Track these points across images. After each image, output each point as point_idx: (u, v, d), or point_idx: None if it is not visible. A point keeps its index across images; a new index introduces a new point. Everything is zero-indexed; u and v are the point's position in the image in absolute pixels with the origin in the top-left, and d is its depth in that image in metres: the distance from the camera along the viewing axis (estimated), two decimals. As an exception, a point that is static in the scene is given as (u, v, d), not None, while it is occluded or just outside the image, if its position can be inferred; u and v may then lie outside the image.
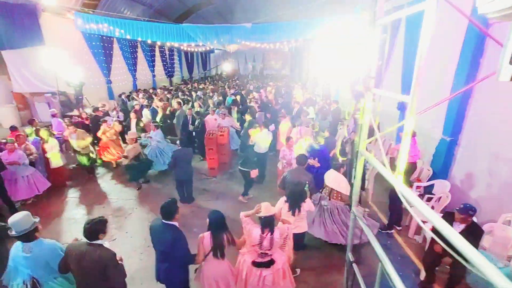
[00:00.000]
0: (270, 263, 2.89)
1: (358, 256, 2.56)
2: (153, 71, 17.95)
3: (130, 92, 13.41)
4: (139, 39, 12.49)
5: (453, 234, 1.22)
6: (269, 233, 2.79)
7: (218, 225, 2.79)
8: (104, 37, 12.58)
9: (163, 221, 2.74)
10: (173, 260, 2.74)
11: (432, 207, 5.03)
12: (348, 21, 8.16)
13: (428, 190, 5.42)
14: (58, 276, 2.68)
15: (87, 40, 11.57)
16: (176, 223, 2.77)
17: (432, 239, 3.76)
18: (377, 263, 4.05)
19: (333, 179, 4.23)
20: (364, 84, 1.85)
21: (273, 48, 18.92)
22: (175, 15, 17.31)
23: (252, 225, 2.86)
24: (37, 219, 2.62)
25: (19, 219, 2.50)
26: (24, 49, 8.81)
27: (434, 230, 3.84)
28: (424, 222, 4.59)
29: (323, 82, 14.89)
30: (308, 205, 3.74)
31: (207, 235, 2.81)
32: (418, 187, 5.53)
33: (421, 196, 5.32)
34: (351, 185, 2.47)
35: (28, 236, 2.51)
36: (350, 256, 2.54)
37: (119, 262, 2.59)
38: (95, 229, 2.42)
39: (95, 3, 11.81)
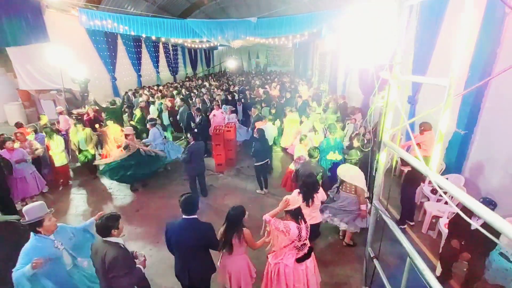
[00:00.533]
0: (310, 252, 2.92)
1: (376, 252, 2.47)
2: (157, 68, 17.90)
3: (135, 89, 13.38)
4: (143, 35, 12.46)
5: (498, 220, 1.12)
6: (303, 222, 2.82)
7: (233, 221, 2.80)
8: (108, 34, 12.54)
9: (186, 216, 2.65)
10: (204, 254, 2.76)
11: (446, 203, 4.93)
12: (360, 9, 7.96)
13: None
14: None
15: (92, 36, 11.53)
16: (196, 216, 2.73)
17: (449, 234, 3.67)
18: (395, 259, 3.99)
19: (346, 171, 4.16)
20: (390, 70, 1.75)
21: (277, 44, 18.76)
22: (178, 11, 17.20)
23: (284, 222, 2.78)
24: (50, 210, 2.62)
25: (35, 206, 2.52)
26: (29, 46, 8.76)
27: (451, 226, 3.77)
28: (438, 217, 4.51)
29: (330, 77, 14.73)
30: (321, 195, 3.73)
31: (221, 230, 2.86)
32: (430, 182, 5.41)
33: (434, 191, 5.21)
34: (370, 178, 2.37)
35: (39, 224, 2.50)
36: (370, 251, 2.45)
37: (137, 262, 2.50)
38: (106, 225, 2.33)
39: (99, -1, 11.77)
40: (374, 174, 2.21)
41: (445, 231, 4.09)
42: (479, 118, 4.80)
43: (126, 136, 6.06)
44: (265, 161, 5.87)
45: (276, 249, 2.92)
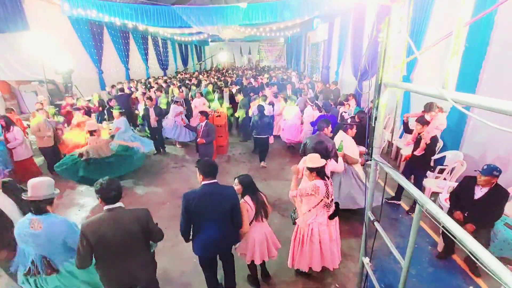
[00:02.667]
0: (338, 207, 2.98)
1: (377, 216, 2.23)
2: (146, 62, 17.46)
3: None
4: (130, 25, 12.09)
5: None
6: (327, 178, 2.89)
7: (253, 186, 2.83)
8: (93, 25, 12.12)
9: (207, 182, 2.48)
10: (229, 220, 2.55)
11: (445, 179, 4.75)
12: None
13: (440, 162, 5.13)
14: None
15: (75, 26, 11.08)
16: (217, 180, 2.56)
17: (451, 206, 3.47)
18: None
19: (338, 140, 4.03)
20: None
21: (269, 35, 18.53)
22: (168, 2, 16.80)
23: (311, 184, 2.78)
24: (57, 191, 2.27)
25: (41, 181, 2.17)
26: (8, 35, 8.31)
27: (453, 198, 3.56)
28: (438, 193, 4.31)
29: (322, 67, 14.61)
30: (332, 165, 3.58)
31: (247, 199, 2.77)
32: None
33: (432, 168, 5.03)
34: (368, 132, 2.13)
35: (41, 206, 2.13)
36: (370, 214, 2.21)
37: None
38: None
39: (83, -11, 11.33)
40: (373, 124, 1.96)
41: (446, 205, 3.89)
42: (476, 92, 4.63)
43: (92, 132, 5.07)
44: (267, 135, 6.28)
45: (304, 211, 2.92)
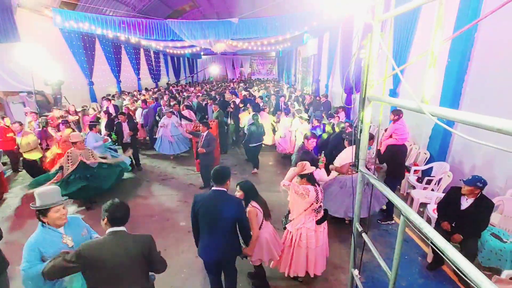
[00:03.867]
0: (326, 213, 3.09)
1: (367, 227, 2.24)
2: (138, 74, 17.48)
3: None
4: (122, 38, 12.16)
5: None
6: (318, 185, 3.05)
7: (254, 190, 2.92)
8: (85, 38, 12.15)
9: (216, 188, 2.55)
10: (232, 229, 2.58)
11: (432, 190, 4.83)
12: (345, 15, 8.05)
13: (427, 173, 5.23)
14: None
15: (67, 39, 11.08)
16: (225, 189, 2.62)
17: (439, 217, 3.52)
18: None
19: (344, 153, 4.26)
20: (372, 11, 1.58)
21: (261, 51, 18.94)
22: (160, 17, 17.05)
23: (303, 186, 2.91)
24: (64, 198, 2.22)
25: (50, 190, 2.12)
26: (-4, 46, 8.25)
27: (440, 208, 3.61)
28: (426, 204, 4.38)
29: (313, 81, 14.93)
30: (318, 173, 3.69)
31: (255, 204, 2.85)
32: (416, 171, 5.33)
33: (419, 180, 5.12)
34: (354, 144, 2.18)
35: (44, 213, 2.09)
36: (357, 225, 2.22)
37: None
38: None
39: (75, 2, 11.43)
40: (358, 137, 2.01)
41: (434, 216, 3.95)
42: (460, 104, 4.80)
43: (73, 144, 4.86)
44: (260, 142, 6.70)
45: (295, 216, 3.05)
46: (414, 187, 5.04)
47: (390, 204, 4.61)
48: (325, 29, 11.81)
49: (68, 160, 4.80)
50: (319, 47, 13.69)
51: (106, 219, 1.92)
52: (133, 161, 6.90)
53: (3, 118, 6.95)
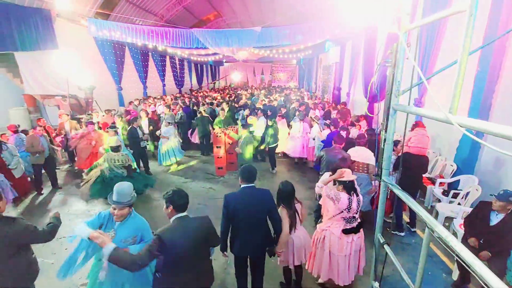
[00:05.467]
0: (359, 227, 2.96)
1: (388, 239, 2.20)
2: (163, 80, 18.18)
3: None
4: (150, 46, 12.75)
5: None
6: (355, 195, 2.89)
7: (289, 195, 2.86)
8: (116, 46, 12.87)
9: (249, 185, 2.67)
10: (265, 222, 2.70)
11: (459, 204, 4.62)
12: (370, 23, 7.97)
13: (454, 186, 5.01)
14: None
15: (100, 47, 11.80)
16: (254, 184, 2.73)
17: (466, 233, 3.36)
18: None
19: (356, 152, 4.30)
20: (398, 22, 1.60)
21: (282, 59, 19.10)
22: (186, 27, 17.73)
23: (336, 191, 2.89)
24: (134, 194, 2.47)
25: (125, 188, 2.36)
26: (37, 52, 8.96)
27: (467, 224, 3.45)
28: (451, 218, 4.19)
29: (334, 88, 14.82)
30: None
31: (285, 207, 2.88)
32: (441, 183, 5.13)
33: (445, 193, 4.91)
34: (377, 153, 2.17)
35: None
36: (380, 237, 2.19)
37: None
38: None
39: (108, 13, 12.19)
40: (382, 146, 2.00)
41: (460, 231, 3.77)
42: (490, 114, 4.59)
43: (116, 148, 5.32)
44: (276, 143, 7.07)
45: (325, 219, 3.05)
46: (439, 200, 4.84)
47: (413, 214, 4.48)
48: (347, 38, 11.73)
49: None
50: (341, 55, 13.60)
51: (171, 207, 2.15)
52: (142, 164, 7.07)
53: (39, 119, 7.46)
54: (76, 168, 7.21)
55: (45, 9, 9.05)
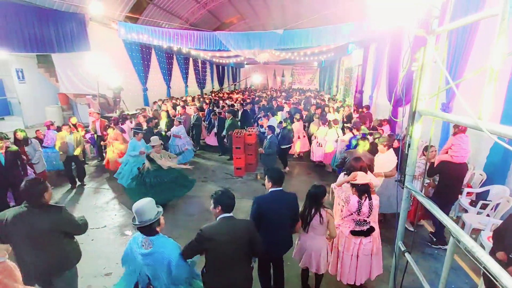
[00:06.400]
0: (370, 231, 2.94)
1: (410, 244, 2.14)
2: (186, 81, 18.70)
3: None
4: (175, 48, 13.17)
5: None
6: (367, 199, 2.87)
7: (314, 199, 2.85)
8: (143, 48, 13.42)
9: (278, 188, 2.76)
10: (289, 225, 2.82)
11: (488, 216, 4.38)
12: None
13: (482, 197, 4.75)
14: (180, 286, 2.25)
15: (128, 49, 12.35)
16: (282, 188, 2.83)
17: (494, 246, 3.19)
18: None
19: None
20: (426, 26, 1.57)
21: (303, 61, 19.01)
22: (209, 29, 18.15)
23: (347, 193, 2.96)
24: (160, 209, 2.28)
25: (144, 206, 2.15)
26: (71, 54, 9.55)
27: (496, 237, 3.28)
28: (479, 230, 3.99)
29: (356, 91, 14.54)
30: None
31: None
32: (469, 193, 4.88)
33: (473, 203, 4.67)
34: (401, 158, 2.13)
35: (150, 229, 2.16)
36: (400, 245, 2.14)
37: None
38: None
39: (137, 17, 12.74)
40: (406, 152, 1.97)
41: (488, 244, 3.58)
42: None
43: (152, 147, 5.23)
44: (290, 145, 7.30)
45: (337, 218, 3.14)
46: (466, 211, 4.62)
47: (440, 226, 4.28)
48: (371, 40, 11.47)
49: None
50: (364, 57, 13.31)
51: (220, 207, 2.21)
52: None
53: (70, 117, 7.95)
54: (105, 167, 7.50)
55: (80, 13, 9.63)
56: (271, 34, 10.16)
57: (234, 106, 11.37)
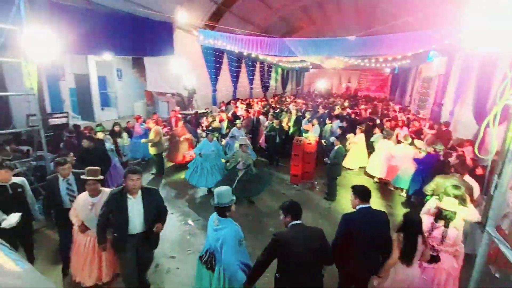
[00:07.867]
0: (433, 259, 2.72)
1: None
2: (251, 84, 19.48)
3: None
4: (245, 53, 13.89)
5: None
6: (443, 226, 2.69)
7: (415, 227, 2.57)
8: (216, 52, 14.49)
9: (367, 205, 2.65)
10: (379, 247, 2.63)
11: None
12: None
13: None
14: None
15: (204, 53, 13.52)
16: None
17: None
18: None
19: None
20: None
21: (374, 66, 17.85)
22: (278, 34, 18.52)
23: (424, 214, 2.83)
24: (234, 198, 2.65)
25: (224, 191, 2.59)
26: (158, 57, 10.95)
27: None
28: None
29: (433, 104, 13.04)
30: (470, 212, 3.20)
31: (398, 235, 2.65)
32: None
33: None
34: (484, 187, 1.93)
35: (222, 211, 2.58)
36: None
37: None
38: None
39: (214, 24, 13.85)
40: (492, 192, 1.79)
41: None
42: None
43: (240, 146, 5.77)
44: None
45: None
46: None
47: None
48: (457, 47, 10.13)
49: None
50: (447, 66, 11.83)
51: (290, 216, 2.37)
52: None
53: (154, 114, 9.11)
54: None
55: (168, 22, 10.96)
56: (340, 41, 9.88)
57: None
